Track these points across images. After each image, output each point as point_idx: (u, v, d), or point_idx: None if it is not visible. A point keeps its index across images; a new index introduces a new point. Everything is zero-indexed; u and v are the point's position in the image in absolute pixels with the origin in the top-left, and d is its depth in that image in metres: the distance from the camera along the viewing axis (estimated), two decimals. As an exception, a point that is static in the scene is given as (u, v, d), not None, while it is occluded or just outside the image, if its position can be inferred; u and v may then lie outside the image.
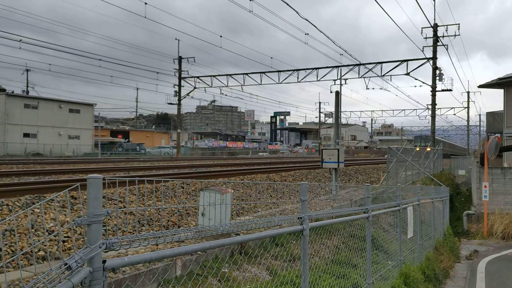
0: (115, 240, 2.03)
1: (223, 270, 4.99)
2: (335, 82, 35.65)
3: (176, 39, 42.76)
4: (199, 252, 4.90)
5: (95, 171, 14.92)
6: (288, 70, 36.77)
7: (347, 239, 6.98)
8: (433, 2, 30.58)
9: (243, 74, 38.66)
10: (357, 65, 34.12)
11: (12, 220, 5.80)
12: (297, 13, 18.52)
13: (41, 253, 5.43)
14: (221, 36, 31.42)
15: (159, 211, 7.53)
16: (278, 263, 5.88)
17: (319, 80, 35.74)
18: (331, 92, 42.46)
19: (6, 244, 5.37)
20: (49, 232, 5.94)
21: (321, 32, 23.16)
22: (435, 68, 31.62)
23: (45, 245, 5.55)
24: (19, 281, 3.97)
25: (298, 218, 3.96)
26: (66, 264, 1.76)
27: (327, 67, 35.78)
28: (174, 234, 2.49)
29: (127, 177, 2.84)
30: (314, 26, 22.03)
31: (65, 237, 5.95)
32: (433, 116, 32.64)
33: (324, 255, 6.51)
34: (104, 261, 1.96)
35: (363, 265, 6.52)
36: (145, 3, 27.33)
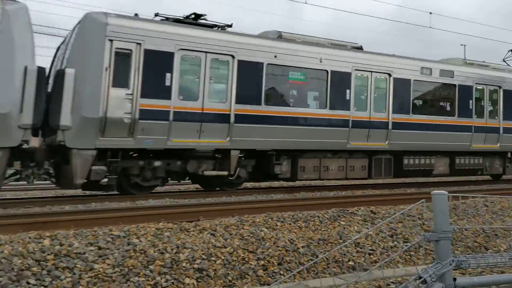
0: (463, 259, 1.96)
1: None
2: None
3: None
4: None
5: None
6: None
7: None
8: None
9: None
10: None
11: (324, 230, 6.55)
12: None
13: (351, 263, 5.86)
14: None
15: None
16: None
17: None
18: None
19: (321, 252, 6.00)
20: (356, 244, 6.33)
21: None
22: None
23: (353, 256, 5.98)
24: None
25: None
26: (420, 277, 1.81)
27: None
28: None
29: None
30: None
31: (370, 249, 6.25)
32: None
33: None
34: (454, 279, 1.93)
35: None
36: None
